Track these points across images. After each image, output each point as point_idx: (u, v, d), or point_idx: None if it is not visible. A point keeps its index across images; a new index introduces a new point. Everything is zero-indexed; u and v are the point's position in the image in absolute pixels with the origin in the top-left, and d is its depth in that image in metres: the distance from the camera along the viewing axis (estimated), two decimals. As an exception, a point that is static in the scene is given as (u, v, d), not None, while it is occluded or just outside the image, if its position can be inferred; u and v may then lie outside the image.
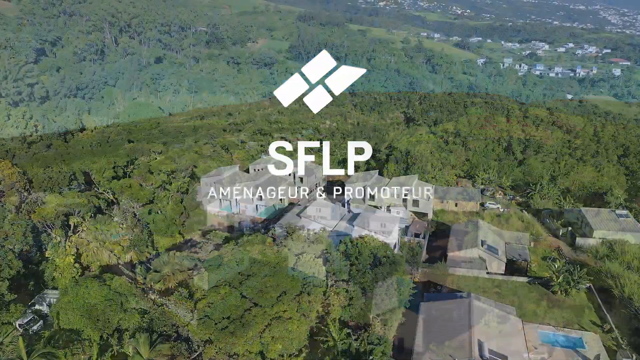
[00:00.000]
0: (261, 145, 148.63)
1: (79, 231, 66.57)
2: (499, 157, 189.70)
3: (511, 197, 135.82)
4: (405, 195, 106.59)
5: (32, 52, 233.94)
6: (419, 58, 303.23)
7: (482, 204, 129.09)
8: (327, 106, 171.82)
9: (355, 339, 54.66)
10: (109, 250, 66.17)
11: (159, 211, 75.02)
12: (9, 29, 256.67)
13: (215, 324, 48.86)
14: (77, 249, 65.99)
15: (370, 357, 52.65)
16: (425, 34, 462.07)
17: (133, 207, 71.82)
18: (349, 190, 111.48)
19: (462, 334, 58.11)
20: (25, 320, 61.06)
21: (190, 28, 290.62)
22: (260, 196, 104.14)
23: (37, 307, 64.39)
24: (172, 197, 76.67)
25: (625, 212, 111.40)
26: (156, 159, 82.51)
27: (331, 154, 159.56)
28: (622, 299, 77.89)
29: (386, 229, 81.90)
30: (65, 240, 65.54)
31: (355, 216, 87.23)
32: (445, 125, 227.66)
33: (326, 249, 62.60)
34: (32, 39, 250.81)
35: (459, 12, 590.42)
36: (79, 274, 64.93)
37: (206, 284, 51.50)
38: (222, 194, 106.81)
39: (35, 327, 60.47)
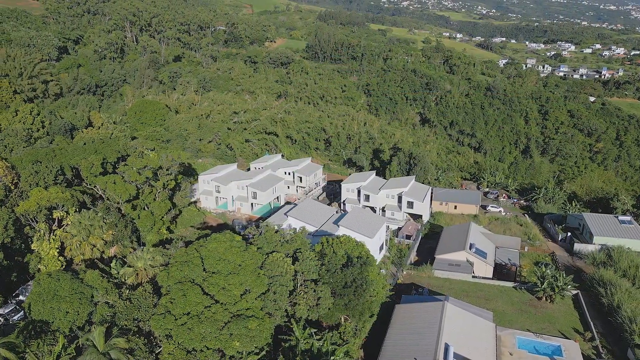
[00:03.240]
0: (265, 145, 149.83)
1: (64, 225, 68.54)
2: (515, 159, 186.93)
3: (514, 200, 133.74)
4: (400, 196, 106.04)
5: (54, 50, 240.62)
6: (436, 58, 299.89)
7: (483, 207, 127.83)
8: (336, 105, 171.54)
9: (319, 339, 54.91)
10: (92, 245, 67.91)
11: (145, 207, 76.51)
12: (33, 27, 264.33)
13: (175, 319, 49.77)
14: (62, 243, 67.93)
15: (332, 358, 52.83)
16: (448, 34, 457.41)
17: (117, 203, 73.45)
18: (344, 190, 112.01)
19: (430, 337, 57.69)
20: (7, 310, 63.23)
21: (209, 27, 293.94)
22: (255, 194, 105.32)
23: (20, 297, 66.63)
24: (159, 193, 77.99)
25: (628, 218, 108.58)
26: (149, 156, 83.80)
27: (336, 154, 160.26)
28: (610, 307, 76.22)
29: (370, 229, 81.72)
30: (50, 234, 67.49)
31: (342, 216, 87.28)
32: (461, 126, 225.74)
33: (299, 248, 62.90)
34: (55, 37, 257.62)
35: (484, 12, 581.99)
36: (63, 266, 66.86)
37: (171, 280, 52.47)
38: (218, 191, 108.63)
39: (16, 317, 62.48)
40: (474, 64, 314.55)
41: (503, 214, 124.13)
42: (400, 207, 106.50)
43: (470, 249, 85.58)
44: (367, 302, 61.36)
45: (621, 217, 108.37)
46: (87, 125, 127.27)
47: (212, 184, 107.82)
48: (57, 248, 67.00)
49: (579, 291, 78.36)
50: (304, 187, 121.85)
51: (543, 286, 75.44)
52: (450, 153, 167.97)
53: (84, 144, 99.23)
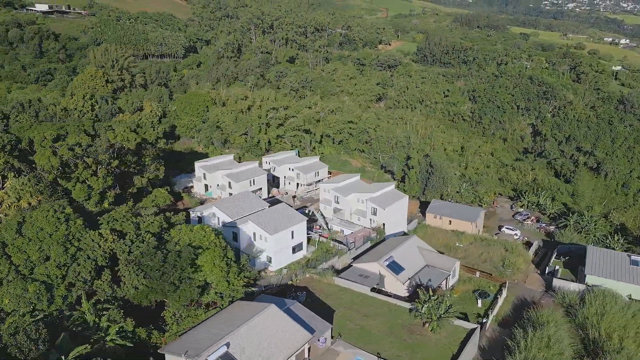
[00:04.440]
0: (300, 142, 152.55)
1: (5, 187, 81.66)
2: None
3: (543, 224, 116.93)
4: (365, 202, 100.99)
5: (182, 48, 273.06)
6: (562, 64, 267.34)
7: (500, 227, 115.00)
8: (397, 109, 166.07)
9: (103, 315, 57.73)
10: (19, 207, 79.51)
11: (84, 181, 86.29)
12: (173, 28, 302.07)
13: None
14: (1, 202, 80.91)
15: (107, 334, 55.45)
16: (610, 39, 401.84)
17: (49, 173, 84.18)
18: (322, 191, 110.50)
19: (222, 336, 56.30)
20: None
21: (325, 30, 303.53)
22: (230, 184, 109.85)
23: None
24: (100, 170, 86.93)
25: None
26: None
27: (375, 157, 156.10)
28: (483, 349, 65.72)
29: (275, 227, 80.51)
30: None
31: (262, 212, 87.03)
32: (579, 142, 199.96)
33: (148, 230, 66.24)
34: (188, 38, 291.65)
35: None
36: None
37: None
38: (205, 179, 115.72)
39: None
40: (615, 73, 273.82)
41: (517, 237, 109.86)
42: (364, 214, 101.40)
43: (385, 261, 78.92)
44: (185, 291, 62.07)
45: (634, 257, 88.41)
46: (137, 110, 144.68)
47: (201, 172, 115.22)
48: (-5, 206, 79.97)
49: (478, 326, 67.62)
50: (304, 184, 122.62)
51: (422, 311, 66.93)
52: (503, 167, 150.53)
53: (64, 121, 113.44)
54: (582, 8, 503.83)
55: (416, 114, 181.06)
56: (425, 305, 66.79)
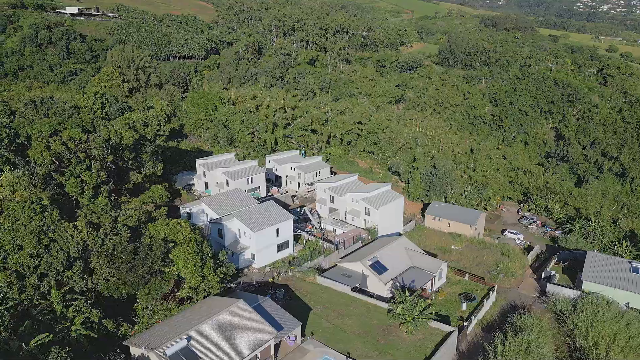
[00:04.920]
0: (306, 142, 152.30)
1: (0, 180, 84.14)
2: None
3: (548, 229, 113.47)
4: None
5: (203, 50, 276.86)
6: (589, 67, 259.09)
7: (503, 231, 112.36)
8: (409, 110, 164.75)
9: (69, 306, 58.47)
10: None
11: (78, 175, 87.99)
12: (196, 30, 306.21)
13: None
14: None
15: (71, 324, 56.17)
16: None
17: (41, 167, 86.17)
18: (318, 190, 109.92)
19: (185, 330, 56.29)
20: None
21: (346, 32, 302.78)
22: (227, 181, 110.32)
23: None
24: (94, 165, 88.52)
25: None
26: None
27: (383, 158, 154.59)
28: (462, 353, 63.47)
29: (259, 224, 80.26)
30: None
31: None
32: (604, 147, 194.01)
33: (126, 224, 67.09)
34: (210, 39, 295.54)
35: None
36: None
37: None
38: (205, 176, 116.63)
39: None
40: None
41: (519, 242, 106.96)
42: (358, 214, 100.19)
43: (369, 261, 77.69)
44: (155, 284, 62.43)
45: (635, 264, 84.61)
46: (147, 109, 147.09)
47: (202, 169, 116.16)
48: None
49: (455, 330, 65.71)
50: (305, 184, 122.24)
51: (397, 311, 65.47)
52: (514, 170, 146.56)
53: (67, 116, 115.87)
54: (617, 10, 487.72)
55: (427, 115, 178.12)
56: (401, 306, 65.33)
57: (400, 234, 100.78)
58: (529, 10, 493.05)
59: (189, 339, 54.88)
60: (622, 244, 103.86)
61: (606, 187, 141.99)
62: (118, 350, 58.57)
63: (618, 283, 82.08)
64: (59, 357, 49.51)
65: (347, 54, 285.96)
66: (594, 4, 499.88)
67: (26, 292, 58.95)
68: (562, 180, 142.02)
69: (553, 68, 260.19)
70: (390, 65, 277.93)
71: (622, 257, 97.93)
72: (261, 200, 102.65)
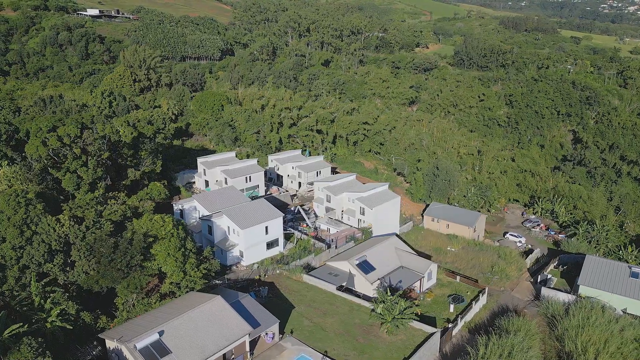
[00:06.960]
0: (311, 142, 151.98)
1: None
2: None
3: (552, 232, 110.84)
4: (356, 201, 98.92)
5: (218, 51, 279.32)
6: (609, 69, 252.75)
7: (504, 233, 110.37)
8: (421, 111, 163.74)
9: (48, 298, 59.16)
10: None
11: (74, 171, 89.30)
12: (213, 31, 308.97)
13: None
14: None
15: (48, 316, 56.83)
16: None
17: (37, 162, 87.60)
18: (316, 189, 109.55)
19: (158, 324, 56.41)
20: None
21: (361, 33, 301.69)
22: (226, 180, 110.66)
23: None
24: (90, 160, 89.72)
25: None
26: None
27: (388, 159, 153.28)
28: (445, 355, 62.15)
29: (248, 221, 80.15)
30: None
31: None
32: (624, 151, 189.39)
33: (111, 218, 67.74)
34: (226, 40, 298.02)
35: None
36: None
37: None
38: (205, 174, 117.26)
39: None
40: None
41: (520, 244, 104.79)
42: (355, 213, 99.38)
43: (356, 260, 76.87)
44: (135, 278, 62.75)
45: (635, 269, 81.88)
46: (153, 108, 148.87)
47: (202, 167, 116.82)
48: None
49: (437, 331, 64.42)
50: (305, 183, 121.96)
51: (378, 311, 64.51)
52: (522, 173, 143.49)
53: (73, 114, 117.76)
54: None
55: (436, 117, 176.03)
56: (381, 306, 64.39)
57: (397, 235, 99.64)
58: (552, 11, 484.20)
59: (161, 333, 55.00)
60: (627, 248, 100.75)
61: (623, 192, 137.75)
62: (95, 342, 59.13)
63: (616, 288, 79.54)
64: (30, 347, 50.05)
65: (362, 55, 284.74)
66: (620, 5, 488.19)
67: (7, 283, 59.89)
68: (573, 183, 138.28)
69: (572, 70, 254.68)
70: (405, 66, 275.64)
71: (627, 262, 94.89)
72: (257, 199, 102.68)
